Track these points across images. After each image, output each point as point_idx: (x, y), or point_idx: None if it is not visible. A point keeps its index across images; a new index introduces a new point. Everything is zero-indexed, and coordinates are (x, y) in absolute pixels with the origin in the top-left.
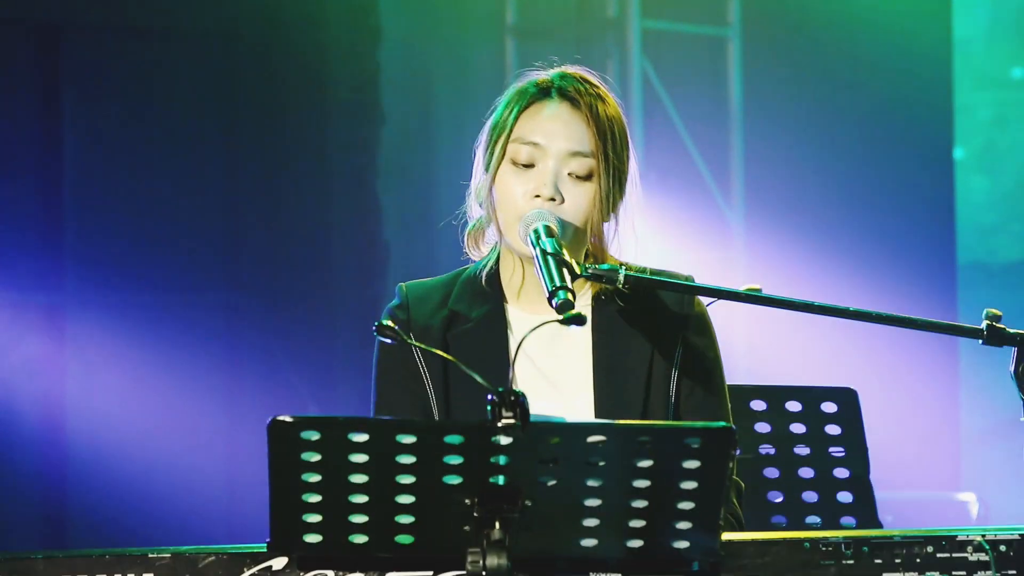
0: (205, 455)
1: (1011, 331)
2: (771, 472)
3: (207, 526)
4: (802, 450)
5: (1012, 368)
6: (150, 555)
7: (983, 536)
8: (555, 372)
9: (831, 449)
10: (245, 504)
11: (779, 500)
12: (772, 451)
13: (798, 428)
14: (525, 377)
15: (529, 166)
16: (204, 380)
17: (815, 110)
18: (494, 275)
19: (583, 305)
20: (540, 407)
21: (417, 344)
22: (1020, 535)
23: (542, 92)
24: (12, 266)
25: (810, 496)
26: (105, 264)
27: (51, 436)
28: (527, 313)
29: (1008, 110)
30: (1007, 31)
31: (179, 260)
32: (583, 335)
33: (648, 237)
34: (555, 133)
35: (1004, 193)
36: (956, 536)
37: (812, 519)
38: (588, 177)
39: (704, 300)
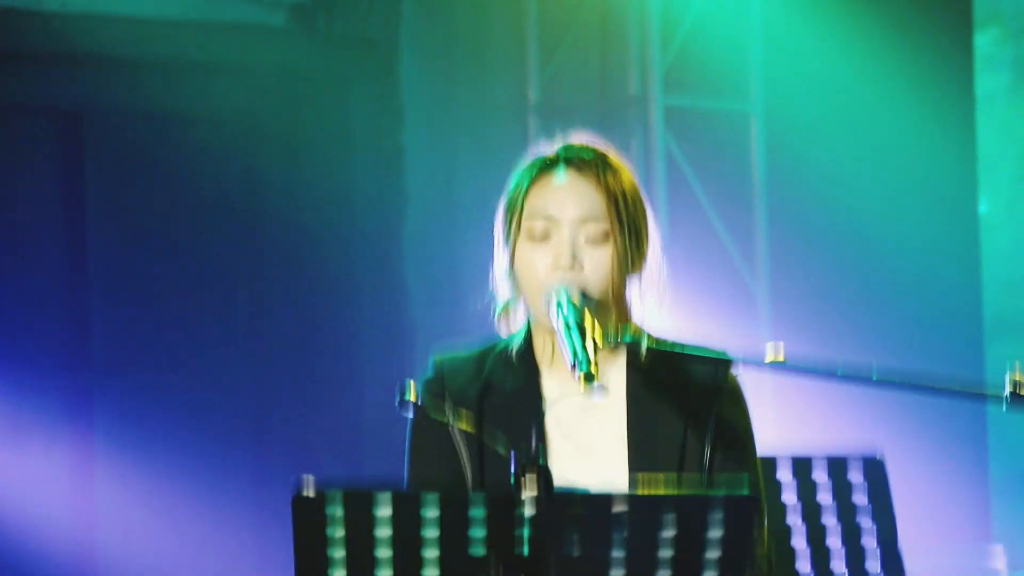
0: (232, 532)
1: None
2: (798, 543)
3: None
4: (829, 520)
5: None
6: None
7: None
8: (589, 442)
9: (859, 519)
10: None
11: (807, 571)
12: (799, 522)
13: (825, 498)
14: (559, 447)
15: (545, 239)
16: (232, 459)
17: (837, 175)
18: (527, 347)
19: (618, 374)
20: (574, 478)
21: (442, 419)
22: None
23: (548, 164)
24: (40, 348)
25: (838, 567)
26: (131, 346)
27: (82, 494)
28: (561, 384)
29: None
30: None
31: (205, 343)
32: (617, 404)
33: (674, 310)
34: (566, 202)
35: None
36: None
37: None
38: (604, 240)
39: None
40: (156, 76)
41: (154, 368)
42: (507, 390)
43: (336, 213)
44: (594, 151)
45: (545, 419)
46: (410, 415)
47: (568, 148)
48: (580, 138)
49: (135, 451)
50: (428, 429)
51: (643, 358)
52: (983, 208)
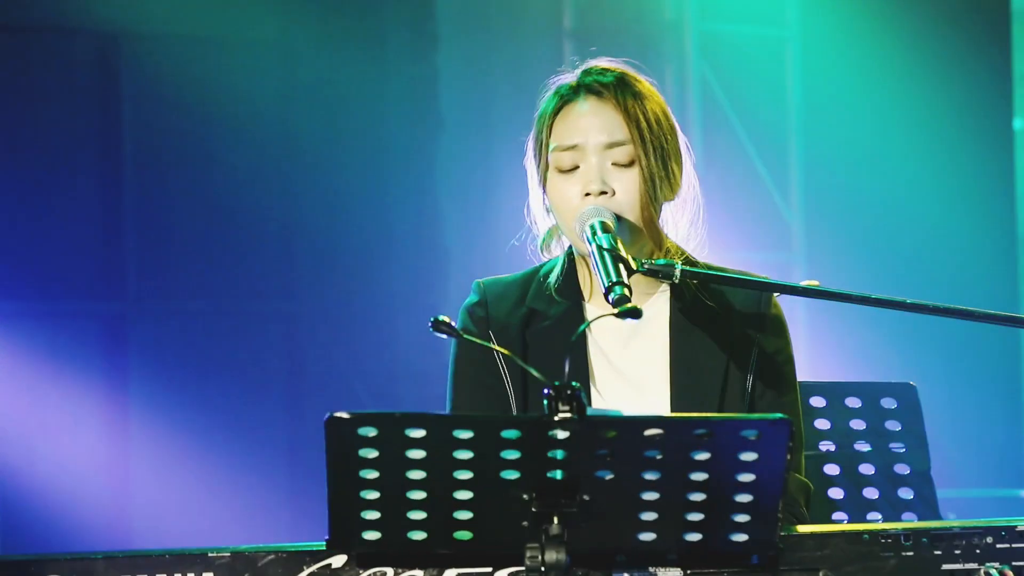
0: (266, 456)
1: None
2: (831, 469)
3: (268, 525)
4: (862, 446)
5: None
6: (210, 554)
7: None
8: (632, 370)
9: (891, 445)
10: (307, 503)
11: (840, 496)
12: (832, 447)
13: (858, 424)
14: (603, 375)
15: (574, 169)
16: (266, 384)
17: (872, 98)
18: (570, 274)
19: (662, 303)
20: (617, 405)
21: (476, 340)
22: None
23: (570, 94)
24: (74, 275)
25: (871, 493)
26: (164, 269)
27: (114, 441)
28: (604, 310)
29: None
30: None
31: (238, 272)
32: (661, 335)
33: (708, 239)
34: (588, 129)
35: None
36: (1016, 527)
37: (873, 516)
38: (631, 164)
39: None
40: None
41: (187, 296)
42: (550, 316)
43: (371, 137)
44: (614, 74)
45: (588, 346)
46: (445, 338)
47: (587, 73)
48: (601, 62)
49: (168, 380)
50: (471, 354)
51: (676, 280)
52: (1018, 124)
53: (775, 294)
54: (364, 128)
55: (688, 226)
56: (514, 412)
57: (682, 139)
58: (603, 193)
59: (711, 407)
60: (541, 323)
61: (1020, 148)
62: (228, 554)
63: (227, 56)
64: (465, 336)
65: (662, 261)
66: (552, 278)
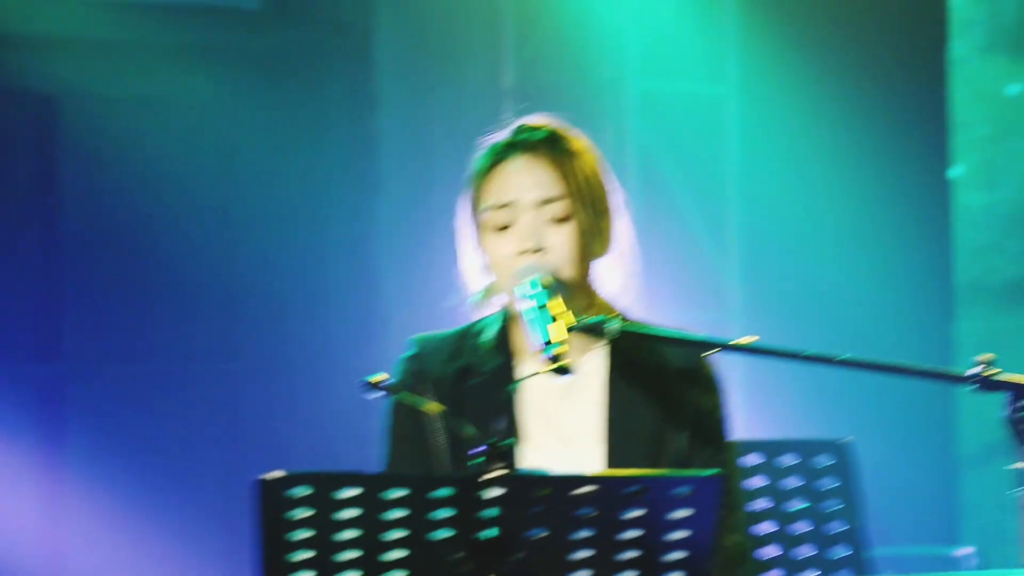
0: (205, 519)
1: (1004, 377)
2: (767, 527)
3: None
4: (796, 504)
5: (1006, 414)
6: None
7: None
8: (567, 427)
9: (827, 502)
10: (244, 565)
11: (776, 554)
12: (767, 506)
13: (793, 482)
14: (537, 433)
15: (508, 226)
16: (205, 447)
17: (811, 155)
18: (504, 332)
19: (597, 359)
20: (551, 463)
21: (406, 397)
22: None
23: (503, 152)
24: (10, 338)
25: (805, 551)
26: (102, 331)
27: (50, 505)
28: (537, 367)
29: (1006, 126)
30: (1004, 47)
31: (177, 334)
32: (597, 391)
33: (648, 298)
34: (521, 186)
35: (1002, 211)
36: None
37: (809, 574)
38: (566, 220)
39: None
40: (131, 59)
41: (126, 359)
42: (483, 372)
43: (309, 199)
44: (546, 130)
45: (522, 404)
46: (380, 397)
47: (519, 131)
48: (533, 119)
49: (106, 443)
50: (404, 412)
51: (608, 339)
52: (956, 171)
53: (709, 352)
54: (303, 190)
55: (623, 280)
56: (448, 468)
57: (618, 194)
58: (538, 250)
59: (645, 465)
60: (474, 379)
61: (955, 199)
62: None
63: (165, 117)
64: (397, 395)
65: (599, 318)
66: (487, 335)
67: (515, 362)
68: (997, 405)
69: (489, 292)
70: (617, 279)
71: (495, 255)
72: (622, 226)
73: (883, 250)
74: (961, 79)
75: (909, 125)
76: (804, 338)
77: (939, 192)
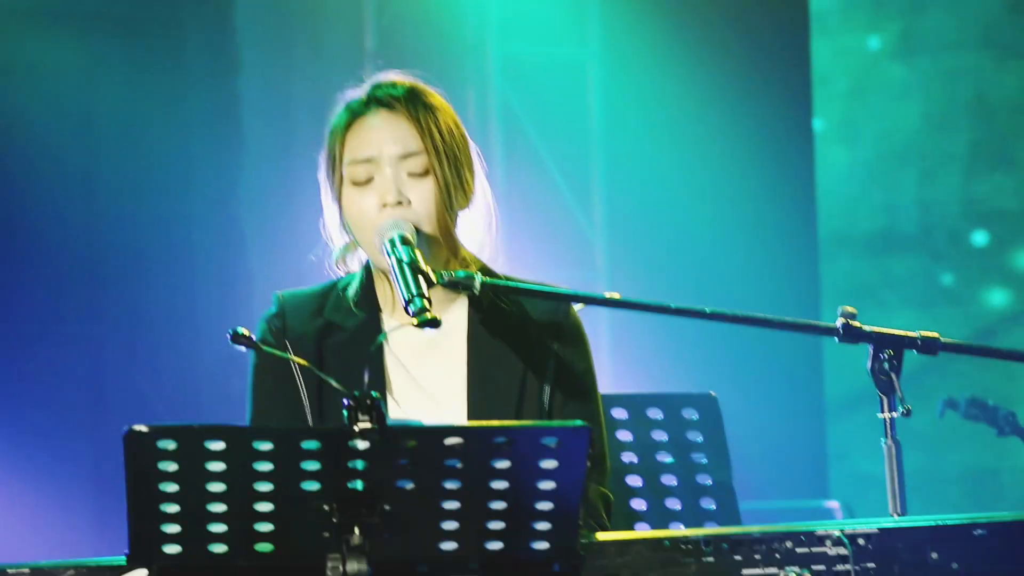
0: (68, 473)
1: (866, 328)
2: (634, 480)
3: (70, 541)
4: (664, 457)
5: (868, 365)
6: (9, 571)
7: (842, 531)
8: (430, 381)
9: (693, 456)
10: (110, 518)
11: (643, 508)
12: (635, 459)
13: (660, 435)
14: (401, 386)
15: (369, 181)
16: (68, 404)
17: (673, 114)
18: (367, 288)
19: (459, 313)
20: (415, 417)
21: (275, 352)
22: (879, 529)
23: (361, 108)
24: None
25: (673, 503)
26: None
27: None
28: (402, 322)
29: (866, 80)
30: (865, 1)
31: (42, 291)
32: (458, 344)
33: (513, 258)
34: (381, 141)
35: (863, 163)
36: (815, 531)
37: (675, 527)
38: (425, 174)
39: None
40: None
41: None
42: (347, 328)
43: (172, 161)
44: (404, 87)
45: (385, 358)
46: (248, 352)
47: (377, 87)
48: (390, 76)
49: None
50: (268, 366)
51: (474, 293)
52: (817, 125)
53: (573, 305)
54: (166, 151)
55: (483, 234)
56: (310, 424)
57: (474, 148)
58: (399, 204)
59: (508, 417)
60: (338, 336)
61: (819, 150)
62: (27, 570)
63: (25, 82)
64: (263, 348)
65: (462, 273)
66: (351, 291)
67: (379, 317)
68: (861, 356)
69: (347, 249)
70: (478, 233)
71: (356, 209)
72: (479, 179)
73: (749, 206)
74: (822, 33)
75: (774, 81)
76: (671, 295)
77: (804, 145)
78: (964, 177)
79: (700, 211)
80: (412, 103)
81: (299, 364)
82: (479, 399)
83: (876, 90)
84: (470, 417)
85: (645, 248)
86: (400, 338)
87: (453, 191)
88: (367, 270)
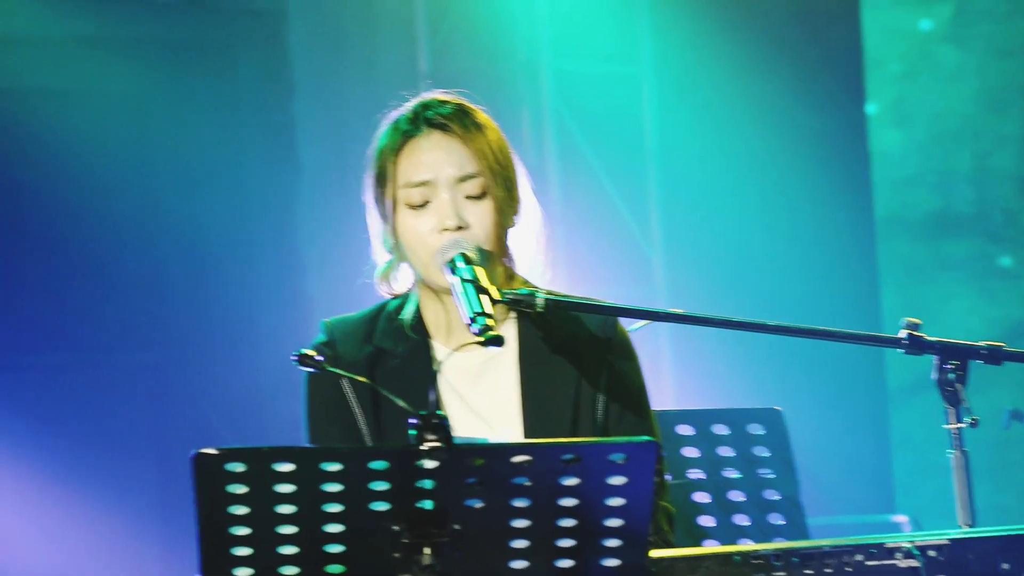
0: (136, 501)
1: (931, 339)
2: (701, 497)
3: (141, 567)
4: (731, 473)
5: (934, 376)
6: None
7: (912, 543)
8: (484, 406)
9: (760, 471)
10: (179, 544)
11: (711, 524)
12: (702, 476)
13: (726, 451)
14: (454, 413)
15: (425, 204)
16: (132, 432)
17: (727, 128)
18: (416, 314)
19: (509, 333)
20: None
21: (338, 372)
22: (949, 540)
23: (411, 128)
24: None
25: (741, 519)
26: (23, 324)
27: None
28: (451, 348)
29: (918, 62)
30: None
31: (100, 321)
32: (510, 367)
33: (570, 275)
34: (437, 164)
35: (918, 145)
36: (885, 543)
37: (744, 542)
38: (483, 196)
39: (627, 327)
40: (46, 52)
41: (49, 349)
42: (398, 354)
43: (229, 186)
44: (453, 106)
45: (439, 385)
46: (304, 376)
47: (425, 107)
48: (436, 94)
49: (31, 434)
50: (322, 393)
51: (540, 309)
52: (871, 109)
53: (620, 319)
54: (222, 177)
55: (533, 250)
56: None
57: (519, 164)
58: (459, 228)
59: (564, 435)
60: (389, 362)
61: (873, 134)
62: None
63: (80, 107)
64: (329, 368)
65: (524, 291)
66: (406, 315)
67: (430, 342)
68: (923, 367)
69: (390, 268)
70: (528, 249)
71: (413, 232)
72: (527, 196)
73: (805, 197)
74: (874, 16)
75: (827, 70)
76: (731, 306)
77: (860, 156)
78: (1019, 157)
79: (757, 215)
80: (463, 123)
81: (354, 389)
82: (534, 420)
83: (929, 72)
84: (527, 437)
85: (703, 261)
86: (452, 364)
87: (507, 210)
88: (416, 293)
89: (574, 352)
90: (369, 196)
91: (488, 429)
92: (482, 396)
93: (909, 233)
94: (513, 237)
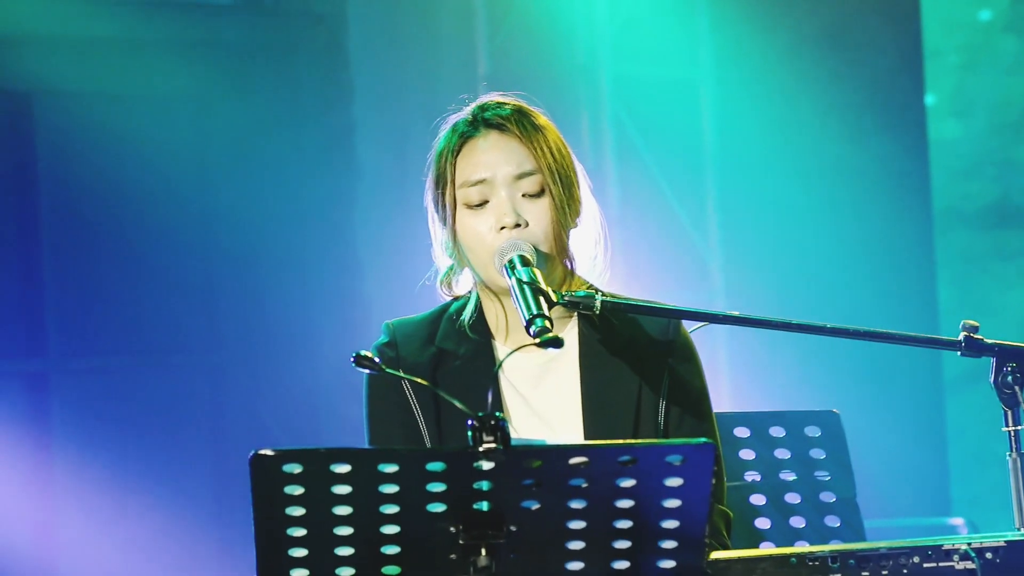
0: (193, 502)
1: (988, 342)
2: (758, 499)
3: (198, 569)
4: (788, 475)
5: (992, 379)
6: None
7: (969, 544)
8: (545, 407)
9: (816, 473)
10: (236, 546)
11: (767, 527)
12: (758, 478)
13: (783, 453)
14: (516, 414)
15: (484, 203)
16: (190, 434)
17: (784, 105)
18: (478, 315)
19: (570, 335)
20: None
21: (396, 373)
22: (1006, 542)
23: (470, 129)
24: None
25: (798, 521)
26: (85, 326)
27: (40, 498)
28: (514, 347)
29: (977, 53)
30: None
31: (159, 324)
32: (571, 369)
33: (628, 279)
34: (495, 163)
35: (976, 136)
36: (942, 545)
37: (800, 544)
38: (540, 194)
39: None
40: (105, 55)
41: (109, 353)
42: (460, 355)
43: (288, 189)
44: (511, 107)
45: (501, 385)
46: (365, 377)
47: (483, 108)
48: (494, 97)
49: (92, 436)
50: (383, 394)
51: (598, 311)
52: (930, 100)
53: (682, 321)
54: (282, 179)
55: (593, 251)
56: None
57: (578, 166)
58: (517, 225)
59: (624, 437)
60: (451, 363)
61: (931, 125)
62: None
63: (141, 111)
64: (387, 370)
65: (582, 293)
66: (465, 316)
67: (492, 343)
68: (982, 368)
69: (452, 271)
70: (588, 250)
71: (471, 233)
72: (586, 197)
73: (864, 224)
74: (933, 7)
75: (886, 63)
76: (789, 306)
77: (918, 120)
78: None
79: (814, 213)
80: (521, 123)
81: (414, 391)
82: (595, 421)
83: (988, 62)
84: (587, 439)
85: (761, 263)
86: (514, 365)
87: (566, 209)
88: (477, 294)
89: (636, 354)
90: (429, 199)
91: (549, 430)
92: (543, 397)
93: (967, 224)
94: (573, 238)
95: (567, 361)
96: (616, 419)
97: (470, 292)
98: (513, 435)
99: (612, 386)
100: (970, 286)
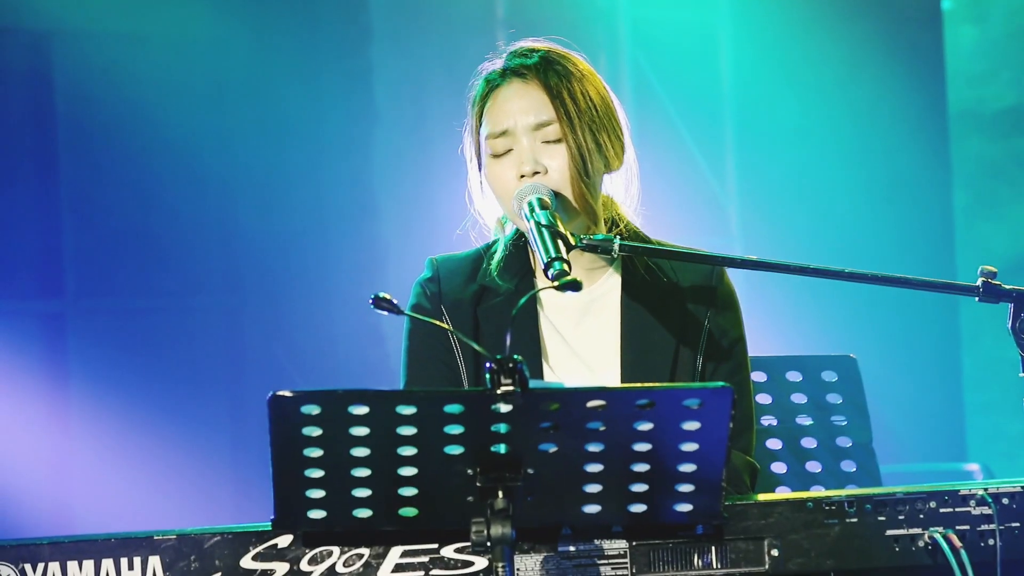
0: (210, 442)
1: (1007, 287)
2: (774, 443)
3: (214, 508)
4: (804, 420)
5: (1010, 324)
6: (155, 537)
7: (985, 489)
8: (584, 347)
9: (833, 418)
10: (252, 486)
11: (783, 471)
12: (774, 422)
13: (799, 398)
14: (556, 352)
15: (508, 152)
16: (207, 374)
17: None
18: (517, 253)
19: (612, 279)
20: (570, 382)
21: (414, 315)
22: (1022, 487)
23: (496, 79)
24: (12, 275)
25: (814, 466)
26: (102, 267)
27: (56, 435)
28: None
29: None
30: None
31: (177, 266)
32: (612, 312)
33: (646, 223)
34: (515, 112)
35: (993, 41)
36: (959, 491)
37: (816, 489)
38: (559, 141)
39: None
40: None
41: (127, 294)
42: (501, 293)
43: (306, 131)
44: (538, 54)
45: (540, 324)
46: (406, 318)
47: (512, 56)
48: (526, 43)
49: (108, 375)
50: (423, 331)
51: (614, 255)
52: (946, 4)
53: (726, 268)
54: (299, 122)
55: (622, 196)
56: (466, 387)
57: (620, 112)
58: (536, 173)
59: (662, 381)
60: (492, 300)
61: (948, 29)
62: (174, 537)
63: (160, 53)
64: (405, 313)
65: (600, 236)
66: (497, 257)
67: (534, 282)
68: (999, 316)
69: (505, 220)
70: (618, 195)
71: (497, 180)
72: (622, 144)
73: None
74: None
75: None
76: (805, 249)
77: (934, 24)
78: None
79: (833, 180)
80: (544, 71)
81: (455, 328)
82: (632, 365)
83: None
84: (624, 382)
85: (779, 213)
86: (555, 304)
87: (589, 156)
88: (517, 235)
89: (677, 300)
90: (465, 147)
91: (588, 371)
92: (583, 337)
93: (983, 130)
94: (608, 184)
95: (609, 303)
96: (654, 364)
97: (516, 230)
98: (551, 374)
99: (651, 332)
100: (984, 193)
